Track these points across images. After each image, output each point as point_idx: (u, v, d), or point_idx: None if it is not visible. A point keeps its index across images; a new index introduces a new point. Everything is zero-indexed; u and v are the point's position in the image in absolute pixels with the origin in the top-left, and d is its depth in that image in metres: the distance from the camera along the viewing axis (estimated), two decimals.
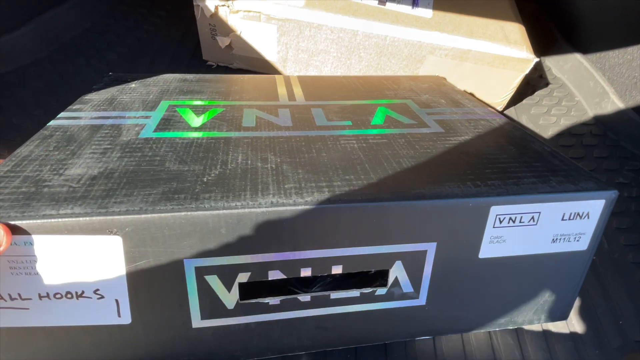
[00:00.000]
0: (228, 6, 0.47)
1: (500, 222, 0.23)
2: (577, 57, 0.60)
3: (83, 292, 0.20)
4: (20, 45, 0.52)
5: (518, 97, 0.57)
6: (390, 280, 0.24)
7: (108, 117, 0.31)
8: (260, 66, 0.54)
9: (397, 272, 0.23)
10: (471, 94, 0.44)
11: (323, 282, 0.26)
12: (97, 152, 0.25)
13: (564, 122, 0.56)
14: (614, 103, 0.54)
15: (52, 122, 0.29)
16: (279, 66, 0.54)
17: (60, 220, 0.19)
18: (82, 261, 0.20)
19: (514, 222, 0.23)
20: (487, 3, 0.53)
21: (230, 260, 0.21)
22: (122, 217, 0.20)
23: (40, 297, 0.20)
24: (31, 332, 0.21)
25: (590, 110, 0.57)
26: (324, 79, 0.44)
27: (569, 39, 0.63)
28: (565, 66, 0.62)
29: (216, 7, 0.47)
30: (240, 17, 0.48)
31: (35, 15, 0.53)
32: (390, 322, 0.25)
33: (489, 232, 0.23)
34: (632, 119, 0.52)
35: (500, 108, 0.54)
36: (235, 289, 0.21)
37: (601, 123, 0.55)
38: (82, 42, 0.57)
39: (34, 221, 0.19)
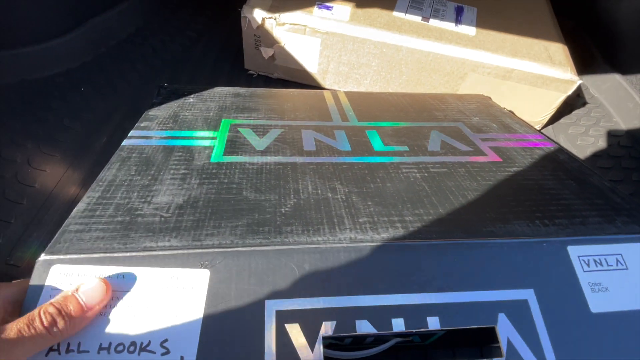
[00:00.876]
0: (275, 19, 0.48)
1: (587, 265, 0.22)
2: (616, 77, 0.60)
3: (149, 343, 0.18)
4: (69, 49, 0.53)
5: (556, 116, 0.57)
6: (504, 342, 0.20)
7: (176, 138, 0.32)
8: (300, 77, 0.55)
9: (506, 330, 0.20)
10: (511, 112, 0.44)
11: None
12: (176, 177, 0.27)
13: (602, 144, 0.55)
14: None
15: (126, 142, 0.31)
16: (318, 77, 0.54)
17: (159, 252, 0.20)
18: (161, 301, 0.19)
19: (601, 265, 0.22)
20: (530, 22, 0.53)
21: (314, 303, 0.20)
22: (216, 250, 0.20)
23: (99, 349, 0.18)
24: None
25: (628, 132, 0.56)
26: (370, 96, 0.45)
27: (608, 58, 0.63)
28: (603, 86, 0.62)
29: (263, 19, 0.49)
30: (286, 29, 0.49)
31: (83, 20, 0.54)
32: None
33: (582, 277, 0.22)
34: None
35: (539, 127, 0.54)
36: (319, 348, 0.19)
37: (639, 145, 0.54)
38: (127, 47, 0.59)
39: (137, 253, 0.20)
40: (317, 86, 0.56)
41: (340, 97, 0.43)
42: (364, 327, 0.19)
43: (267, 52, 0.52)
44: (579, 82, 0.47)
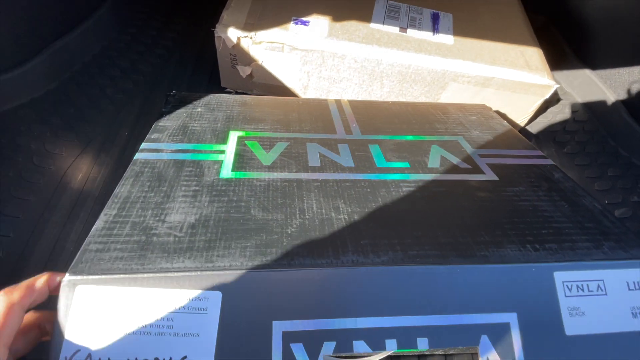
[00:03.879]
0: (251, 37, 0.47)
1: (570, 290, 0.23)
2: (587, 72, 0.62)
3: None
4: (30, 78, 0.50)
5: (533, 115, 0.59)
6: None
7: (186, 151, 0.33)
8: (280, 93, 0.54)
9: (487, 351, 0.22)
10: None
11: None
12: (188, 194, 0.28)
13: (578, 140, 0.57)
14: (625, 121, 0.55)
15: (139, 156, 0.32)
16: (299, 93, 0.53)
17: (175, 274, 0.21)
18: (179, 320, 0.21)
19: (582, 290, 0.23)
20: (505, 26, 0.53)
21: (316, 325, 0.22)
22: (227, 272, 0.22)
23: None
24: None
25: (602, 127, 0.58)
26: (374, 106, 0.45)
27: (578, 53, 0.64)
28: (575, 82, 0.64)
29: (238, 39, 0.47)
30: (263, 47, 0.47)
31: (42, 47, 0.51)
32: None
33: (563, 302, 0.23)
34: None
35: (522, 125, 0.55)
36: None
37: (612, 140, 0.57)
38: (93, 70, 0.55)
39: (154, 274, 0.21)
40: None
41: (344, 106, 0.43)
42: (361, 348, 0.21)
43: (244, 71, 0.51)
44: (556, 86, 0.48)
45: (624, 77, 0.57)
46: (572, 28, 0.66)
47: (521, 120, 0.54)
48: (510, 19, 0.55)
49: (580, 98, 0.62)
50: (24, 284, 0.21)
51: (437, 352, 0.25)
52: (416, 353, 0.30)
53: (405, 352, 0.29)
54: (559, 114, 0.60)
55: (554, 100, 0.62)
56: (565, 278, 0.23)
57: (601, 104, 0.59)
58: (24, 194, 0.41)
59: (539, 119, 0.59)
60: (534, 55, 0.50)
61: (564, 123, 0.59)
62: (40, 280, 0.21)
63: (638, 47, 0.54)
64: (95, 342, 0.20)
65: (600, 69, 0.60)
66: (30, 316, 0.22)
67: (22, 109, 0.49)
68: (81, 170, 0.45)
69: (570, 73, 0.65)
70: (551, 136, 0.58)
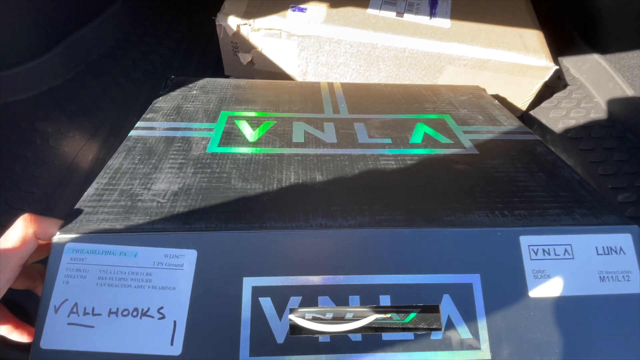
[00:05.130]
0: (249, 25, 0.48)
1: (535, 253, 0.23)
2: (596, 57, 0.60)
3: (149, 309, 0.22)
4: (49, 69, 0.54)
5: (537, 100, 0.58)
6: (444, 319, 0.23)
7: (178, 129, 0.35)
8: (281, 79, 0.55)
9: (448, 309, 0.23)
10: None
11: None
12: (174, 166, 0.30)
13: (584, 125, 0.56)
14: (633, 105, 0.54)
15: (133, 133, 0.34)
16: (298, 79, 0.55)
17: (155, 234, 0.23)
18: (157, 275, 0.23)
19: (549, 254, 0.24)
20: (505, 9, 0.53)
21: (284, 281, 0.23)
22: (203, 232, 0.23)
23: (109, 313, 0.22)
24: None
25: (609, 112, 0.57)
26: (366, 88, 0.46)
27: (587, 38, 0.63)
28: (583, 67, 0.62)
29: (238, 26, 0.49)
30: (262, 34, 0.49)
31: (59, 39, 0.54)
32: None
33: (528, 265, 0.23)
34: None
35: (523, 109, 0.55)
36: (286, 317, 0.23)
37: (620, 125, 0.55)
38: (107, 61, 0.59)
39: (135, 234, 0.23)
40: None
41: (336, 89, 0.44)
42: (325, 302, 0.23)
43: (245, 58, 0.53)
44: (555, 68, 0.47)
45: (633, 61, 0.55)
46: (579, 13, 0.64)
47: (522, 104, 0.53)
48: (512, 2, 0.55)
49: (589, 83, 0.61)
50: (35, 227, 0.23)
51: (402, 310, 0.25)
52: (399, 325, 0.31)
53: (386, 322, 0.29)
54: (565, 99, 0.59)
55: (560, 85, 0.61)
56: (531, 242, 0.24)
57: (610, 88, 0.57)
58: (40, 172, 0.45)
59: (544, 104, 0.59)
60: (533, 37, 0.49)
61: (570, 109, 0.58)
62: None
63: None
64: (81, 293, 0.22)
65: (609, 53, 0.59)
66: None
67: (42, 97, 0.53)
68: (92, 151, 0.49)
69: (579, 58, 0.63)
70: (555, 122, 0.57)
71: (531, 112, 0.57)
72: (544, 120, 0.57)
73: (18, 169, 0.44)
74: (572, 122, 0.56)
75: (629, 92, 0.54)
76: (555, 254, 0.24)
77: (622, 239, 0.24)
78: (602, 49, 0.60)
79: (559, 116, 0.57)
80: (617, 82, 0.56)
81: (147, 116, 0.37)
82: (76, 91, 0.54)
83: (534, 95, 0.51)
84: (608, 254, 0.24)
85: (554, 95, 0.60)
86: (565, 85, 0.61)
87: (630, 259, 0.24)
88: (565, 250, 0.24)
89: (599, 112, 0.57)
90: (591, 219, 0.25)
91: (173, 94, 0.41)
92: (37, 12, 0.50)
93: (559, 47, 0.66)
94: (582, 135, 0.55)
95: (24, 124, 0.49)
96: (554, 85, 0.61)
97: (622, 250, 0.24)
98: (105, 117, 0.52)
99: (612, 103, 0.57)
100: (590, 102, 0.59)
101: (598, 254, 0.24)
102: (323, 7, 0.50)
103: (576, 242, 0.24)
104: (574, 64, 0.64)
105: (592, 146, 0.53)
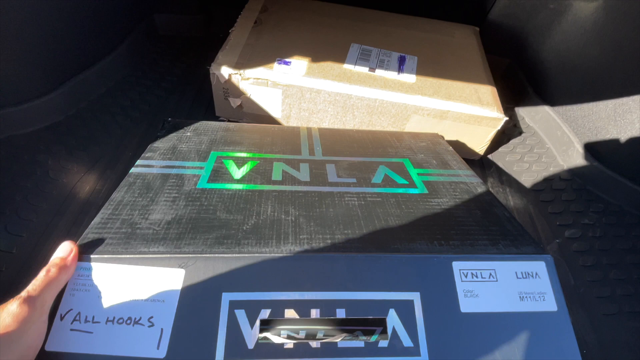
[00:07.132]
0: (240, 74, 0.55)
1: (465, 276, 0.28)
2: (546, 109, 0.68)
3: (140, 318, 0.26)
4: (53, 106, 0.58)
5: (495, 145, 0.65)
6: (389, 329, 0.26)
7: (172, 167, 0.39)
8: (266, 122, 0.61)
9: (393, 321, 0.27)
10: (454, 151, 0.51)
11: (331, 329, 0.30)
12: (168, 200, 0.34)
13: (536, 168, 0.63)
14: (578, 151, 0.61)
15: (133, 170, 0.38)
16: (283, 122, 0.61)
17: (150, 256, 0.27)
18: (150, 290, 0.26)
19: (477, 277, 0.28)
20: (464, 68, 0.61)
21: (257, 296, 0.27)
22: (190, 255, 0.27)
23: (107, 321, 0.25)
24: None
25: (559, 157, 0.64)
26: (340, 133, 0.51)
27: (539, 92, 0.72)
28: (536, 116, 0.70)
29: (230, 75, 0.55)
30: (250, 82, 0.55)
31: (64, 80, 0.60)
32: None
33: (459, 285, 0.28)
34: (594, 166, 0.59)
35: (481, 153, 0.61)
36: (257, 326, 0.26)
37: (568, 169, 0.62)
38: (107, 100, 0.64)
39: (133, 256, 0.27)
40: None
41: (314, 133, 0.50)
42: (290, 315, 0.26)
43: (235, 102, 0.59)
44: (505, 119, 0.54)
45: (577, 113, 0.63)
46: (533, 70, 0.73)
47: (480, 149, 0.60)
48: (470, 62, 0.63)
49: (541, 131, 0.69)
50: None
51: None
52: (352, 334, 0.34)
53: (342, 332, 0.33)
54: (520, 145, 0.67)
55: (515, 132, 0.69)
56: (461, 267, 0.29)
57: (559, 135, 0.65)
58: (38, 201, 0.48)
59: (501, 149, 0.66)
60: (487, 92, 0.57)
61: (524, 153, 0.65)
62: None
63: (586, 86, 0.61)
64: (84, 304, 0.26)
65: (557, 106, 0.67)
66: None
67: (44, 131, 0.57)
68: (88, 183, 0.53)
69: (532, 109, 0.71)
70: (510, 165, 0.63)
71: (489, 156, 0.64)
72: (500, 164, 0.63)
73: (18, 198, 0.48)
74: (525, 166, 0.63)
75: (574, 140, 0.62)
76: (482, 277, 0.28)
77: (538, 266, 0.29)
78: (552, 102, 0.68)
79: (514, 160, 0.64)
80: (564, 130, 0.64)
81: (146, 155, 0.41)
82: (77, 127, 0.59)
83: (489, 141, 0.58)
84: (526, 277, 0.29)
85: (511, 141, 0.67)
86: (520, 133, 0.69)
87: (545, 282, 0.29)
88: (490, 274, 0.29)
89: (549, 157, 0.65)
90: (512, 249, 0.30)
91: (169, 135, 0.46)
92: (45, 55, 0.55)
93: (516, 99, 0.75)
94: (534, 178, 0.62)
95: (26, 156, 0.53)
96: (510, 132, 0.69)
97: (537, 275, 0.29)
98: (103, 151, 0.57)
99: (561, 149, 0.64)
100: (542, 147, 0.66)
101: (517, 277, 0.29)
102: (305, 62, 0.57)
103: (499, 268, 0.29)
104: (528, 114, 0.72)
105: (543, 187, 0.60)
